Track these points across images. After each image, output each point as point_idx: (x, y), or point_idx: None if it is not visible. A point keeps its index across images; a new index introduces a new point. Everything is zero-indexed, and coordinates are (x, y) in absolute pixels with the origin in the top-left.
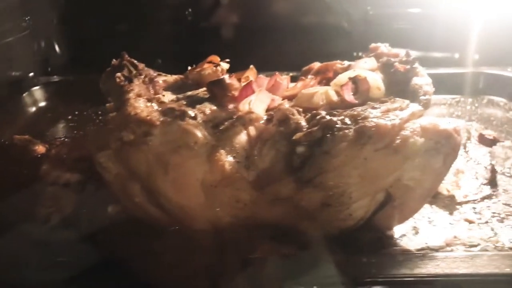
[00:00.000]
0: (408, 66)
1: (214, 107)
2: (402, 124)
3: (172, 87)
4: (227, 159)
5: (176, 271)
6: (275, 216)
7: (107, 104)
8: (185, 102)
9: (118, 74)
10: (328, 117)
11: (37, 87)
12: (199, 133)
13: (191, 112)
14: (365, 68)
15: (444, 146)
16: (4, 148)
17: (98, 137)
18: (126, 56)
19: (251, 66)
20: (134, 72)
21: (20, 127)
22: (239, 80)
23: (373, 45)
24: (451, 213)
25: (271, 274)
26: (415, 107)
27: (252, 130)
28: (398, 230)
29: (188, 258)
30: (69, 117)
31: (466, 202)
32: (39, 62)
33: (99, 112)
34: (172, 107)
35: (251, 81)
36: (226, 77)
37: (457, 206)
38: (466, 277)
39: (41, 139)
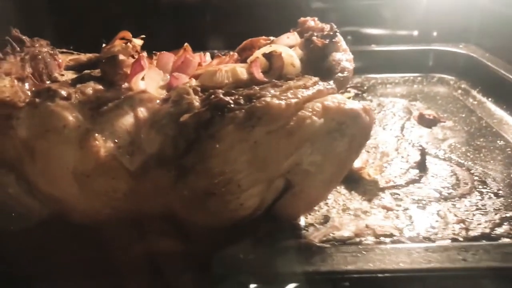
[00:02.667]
0: (327, 41)
1: (99, 87)
2: (301, 104)
3: (82, 66)
4: (104, 145)
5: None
6: (159, 207)
7: None
8: (70, 82)
9: None
10: (220, 97)
11: None
12: (69, 116)
13: (63, 92)
14: (287, 44)
15: (350, 128)
16: None
17: None
18: (14, 31)
19: (186, 44)
20: (18, 49)
21: None
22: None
23: (302, 19)
24: (369, 200)
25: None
26: (323, 85)
27: (143, 112)
28: (306, 219)
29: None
30: None
31: (389, 188)
32: None
33: None
34: (46, 87)
35: (140, 56)
36: (119, 54)
37: (379, 192)
38: (349, 274)
39: None
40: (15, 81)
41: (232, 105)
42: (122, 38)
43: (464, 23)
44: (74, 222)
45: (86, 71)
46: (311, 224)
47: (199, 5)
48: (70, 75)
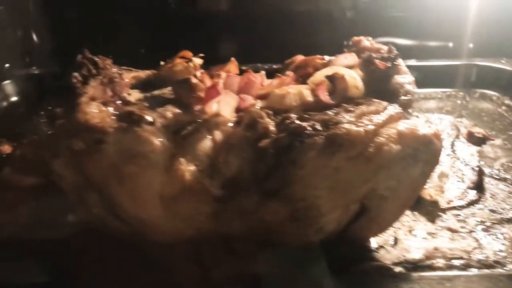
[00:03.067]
0: (389, 64)
1: (177, 110)
2: (377, 130)
3: (143, 84)
4: (188, 168)
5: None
6: (240, 229)
7: (58, 109)
8: (147, 104)
9: (75, 74)
10: (297, 122)
11: (7, 81)
12: (156, 141)
13: (149, 117)
14: (345, 64)
15: (423, 153)
16: None
17: (51, 143)
18: (87, 52)
19: (232, 58)
20: (94, 71)
21: None
22: (212, 77)
23: (355, 38)
24: (433, 221)
25: None
26: (393, 109)
27: (218, 135)
28: (376, 241)
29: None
30: (42, 113)
31: (450, 209)
32: (16, 54)
33: None
34: (129, 111)
35: (216, 82)
36: (192, 77)
37: (440, 213)
38: None
39: (9, 137)
40: (102, 106)
41: (310, 131)
42: (182, 57)
43: (500, 35)
44: (156, 241)
45: (155, 92)
46: (381, 246)
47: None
48: (136, 94)
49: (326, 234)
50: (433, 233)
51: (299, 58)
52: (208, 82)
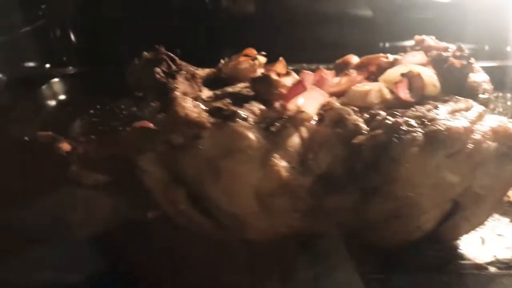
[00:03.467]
0: (464, 62)
1: (262, 107)
2: (472, 127)
3: (205, 81)
4: (283, 165)
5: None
6: (333, 226)
7: (153, 104)
8: (229, 101)
9: (158, 70)
10: (391, 119)
11: (56, 79)
12: (252, 136)
13: (242, 113)
14: (414, 62)
15: None
16: (27, 146)
17: (138, 138)
18: (163, 49)
19: (280, 58)
20: (174, 67)
21: (41, 123)
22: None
23: (417, 37)
24: None
25: None
26: (479, 107)
27: (303, 132)
28: (464, 241)
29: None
30: (91, 111)
31: None
32: (54, 53)
33: (122, 107)
34: (220, 107)
35: (303, 78)
36: (272, 74)
37: None
38: None
39: (64, 135)
40: (194, 101)
41: (406, 128)
42: (246, 55)
43: None
44: (245, 238)
45: (229, 89)
46: (468, 245)
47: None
48: (206, 92)
49: (423, 233)
50: None
51: (352, 58)
52: (286, 79)
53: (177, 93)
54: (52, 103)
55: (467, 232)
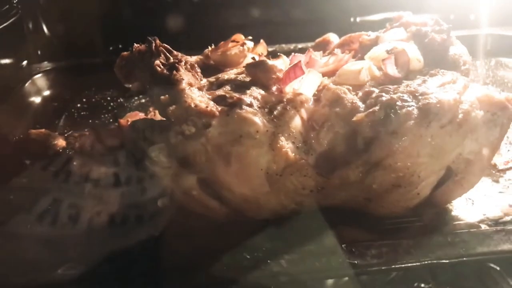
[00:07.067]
0: (444, 36)
1: (263, 92)
2: (460, 98)
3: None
4: (289, 146)
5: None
6: (340, 200)
7: (162, 97)
8: (229, 88)
9: (157, 62)
10: (386, 95)
11: (39, 75)
12: (259, 121)
13: (247, 99)
14: (395, 39)
15: (500, 117)
16: (22, 145)
17: (146, 130)
18: (158, 41)
19: (261, 40)
20: (172, 59)
21: (29, 121)
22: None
23: (397, 15)
24: (496, 181)
25: None
26: (464, 78)
27: (303, 113)
28: (455, 203)
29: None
30: (78, 105)
31: (509, 169)
32: (30, 49)
33: (108, 99)
34: (223, 95)
35: (299, 61)
36: (266, 59)
37: (501, 174)
38: None
39: (56, 132)
40: (199, 91)
41: (401, 103)
42: (233, 41)
43: None
44: (257, 218)
45: (225, 76)
46: (459, 207)
47: None
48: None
49: (421, 199)
50: (502, 192)
51: (331, 36)
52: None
53: (184, 85)
54: (38, 99)
55: (459, 195)
